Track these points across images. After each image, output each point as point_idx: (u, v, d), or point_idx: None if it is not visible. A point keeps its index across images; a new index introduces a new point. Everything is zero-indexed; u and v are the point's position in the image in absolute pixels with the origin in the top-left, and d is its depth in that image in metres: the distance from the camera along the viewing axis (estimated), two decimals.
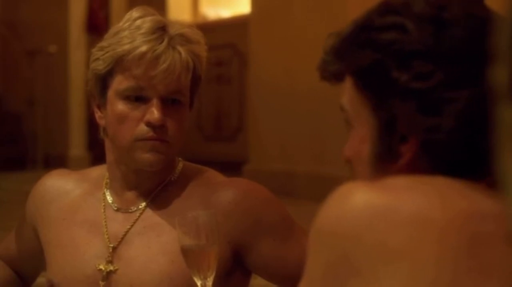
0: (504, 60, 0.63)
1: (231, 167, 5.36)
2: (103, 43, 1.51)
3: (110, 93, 1.51)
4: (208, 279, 1.35)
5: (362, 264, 0.87)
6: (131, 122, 1.48)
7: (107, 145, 1.56)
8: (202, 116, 8.68)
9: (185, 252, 1.36)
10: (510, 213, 0.66)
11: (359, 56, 0.97)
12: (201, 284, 1.35)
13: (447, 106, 0.93)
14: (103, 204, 1.58)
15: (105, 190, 1.59)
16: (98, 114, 1.55)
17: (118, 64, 1.48)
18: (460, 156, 0.94)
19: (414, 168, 0.95)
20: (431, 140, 0.94)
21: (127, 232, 1.54)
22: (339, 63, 1.01)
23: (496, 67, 0.63)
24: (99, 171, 1.64)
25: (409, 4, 0.96)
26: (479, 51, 0.92)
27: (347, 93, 1.01)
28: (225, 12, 9.11)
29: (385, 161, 0.97)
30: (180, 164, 1.59)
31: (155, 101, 1.47)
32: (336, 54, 1.01)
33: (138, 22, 1.48)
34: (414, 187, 0.90)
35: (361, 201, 0.89)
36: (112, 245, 1.54)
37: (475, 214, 0.89)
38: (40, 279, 1.74)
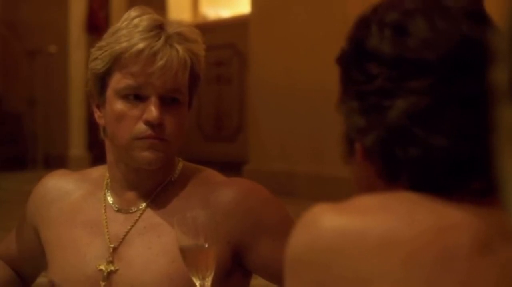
0: (504, 61, 0.63)
1: (231, 167, 5.36)
2: (102, 43, 1.52)
3: (109, 92, 1.51)
4: (207, 279, 1.35)
5: (336, 285, 0.87)
6: (129, 120, 1.49)
7: (107, 145, 1.57)
8: (202, 116, 8.68)
9: (184, 252, 1.36)
10: (510, 214, 0.66)
11: (342, 47, 0.98)
12: (199, 284, 1.35)
13: (381, 113, 0.91)
14: (104, 204, 1.58)
15: (105, 190, 1.59)
16: (97, 114, 1.56)
17: (116, 63, 1.49)
18: (392, 165, 0.92)
19: (366, 168, 0.95)
20: (363, 142, 0.94)
21: (127, 232, 1.54)
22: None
23: (496, 67, 0.63)
24: (100, 172, 1.64)
25: (388, 8, 0.96)
26: (427, 63, 0.90)
27: None
28: (225, 12, 9.12)
29: (350, 155, 0.97)
30: (180, 164, 1.59)
31: (153, 99, 1.47)
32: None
33: (136, 20, 1.49)
34: (380, 208, 0.90)
35: (330, 227, 0.88)
36: (112, 246, 1.54)
37: (446, 228, 0.88)
38: (40, 279, 1.74)
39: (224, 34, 8.19)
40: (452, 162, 0.90)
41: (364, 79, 0.93)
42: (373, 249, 0.87)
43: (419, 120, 0.90)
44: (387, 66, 0.92)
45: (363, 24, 0.96)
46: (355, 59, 0.95)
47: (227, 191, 1.52)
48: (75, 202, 1.61)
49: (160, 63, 1.46)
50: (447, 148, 0.89)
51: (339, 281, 0.87)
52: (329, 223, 0.89)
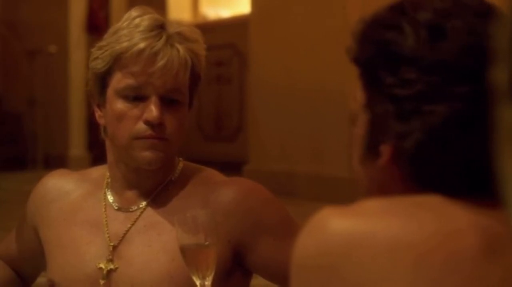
0: (504, 61, 0.63)
1: (231, 167, 5.36)
2: (102, 43, 1.52)
3: (109, 91, 1.51)
4: (207, 278, 1.35)
5: None
6: (129, 120, 1.49)
7: (108, 144, 1.57)
8: (202, 116, 8.68)
9: (184, 251, 1.36)
10: (510, 215, 0.66)
11: (362, 49, 0.97)
12: (200, 284, 1.35)
13: (420, 118, 0.91)
14: (104, 203, 1.58)
15: (105, 189, 1.60)
16: (98, 113, 1.56)
17: (116, 62, 1.49)
18: (426, 169, 0.93)
19: (390, 171, 0.94)
20: (400, 147, 0.93)
21: (127, 231, 1.54)
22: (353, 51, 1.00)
23: (496, 67, 0.63)
24: (100, 171, 1.64)
25: (417, 7, 0.94)
26: (469, 69, 0.90)
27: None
28: (225, 12, 9.12)
29: (369, 157, 0.97)
30: (181, 164, 1.59)
31: (153, 99, 1.48)
32: (353, 40, 1.00)
33: (137, 20, 1.49)
34: (390, 211, 0.90)
35: (338, 231, 0.88)
36: (112, 244, 1.54)
37: (453, 231, 0.88)
38: (40, 279, 1.74)
39: (224, 34, 8.19)
40: (488, 167, 0.88)
41: (398, 83, 0.92)
42: (382, 252, 0.86)
43: (460, 125, 0.90)
44: (427, 71, 0.91)
45: (391, 25, 0.94)
46: (386, 62, 0.93)
47: (227, 191, 1.52)
48: (75, 202, 1.61)
49: (160, 63, 1.46)
50: (486, 152, 0.87)
51: (347, 284, 0.86)
52: (336, 226, 0.88)
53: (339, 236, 0.88)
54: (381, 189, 0.96)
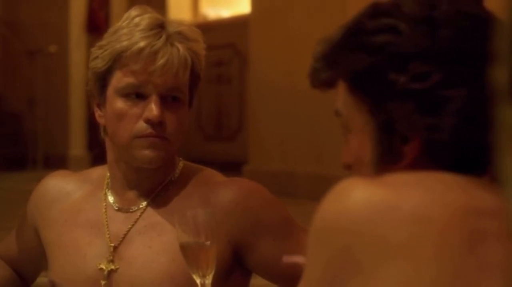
0: (504, 60, 0.63)
1: (231, 167, 5.36)
2: (102, 42, 1.52)
3: (109, 91, 1.51)
4: (207, 277, 1.35)
5: (363, 259, 0.86)
6: (130, 119, 1.49)
7: (108, 144, 1.57)
8: (202, 116, 8.68)
9: (184, 249, 1.36)
10: (510, 211, 0.66)
11: (353, 61, 0.97)
12: (200, 282, 1.35)
13: (446, 105, 0.93)
14: (104, 204, 1.58)
15: (106, 190, 1.60)
16: (98, 113, 1.56)
17: (116, 61, 1.49)
18: (462, 154, 0.94)
19: (417, 168, 0.95)
20: (433, 139, 0.94)
21: (128, 231, 1.54)
22: (331, 69, 1.00)
23: (496, 67, 0.63)
24: (100, 172, 1.64)
25: (399, 5, 0.96)
26: (474, 49, 0.92)
27: (341, 98, 1.00)
28: (225, 12, 9.11)
29: (388, 163, 0.96)
30: (181, 164, 1.59)
31: (154, 98, 1.48)
32: (327, 61, 1.00)
33: (137, 19, 1.49)
34: (414, 184, 0.90)
35: (361, 198, 0.88)
36: (113, 245, 1.54)
37: (475, 210, 0.89)
38: (40, 279, 1.74)
39: (224, 34, 8.19)
40: None
41: (413, 79, 0.93)
42: (404, 221, 0.86)
43: (481, 104, 0.90)
44: (436, 61, 0.92)
45: (382, 28, 0.95)
46: (391, 63, 0.94)
47: (227, 191, 1.52)
48: (76, 203, 1.61)
49: (161, 61, 1.46)
50: None
51: (369, 247, 0.86)
52: (360, 193, 0.88)
53: (362, 203, 0.87)
54: None
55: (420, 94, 0.93)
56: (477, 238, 0.87)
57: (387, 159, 0.96)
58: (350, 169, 1.02)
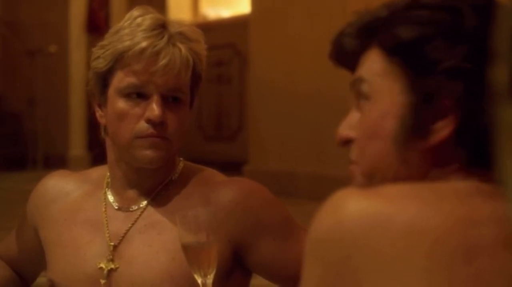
0: (504, 60, 0.63)
1: (231, 167, 5.36)
2: (104, 42, 1.52)
3: (111, 91, 1.51)
4: (209, 276, 1.35)
5: (358, 271, 0.86)
6: (131, 119, 1.49)
7: (108, 144, 1.57)
8: (202, 116, 8.69)
9: (186, 249, 1.37)
10: (511, 214, 0.66)
11: (403, 31, 0.95)
12: (201, 282, 1.35)
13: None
14: (104, 203, 1.59)
15: (106, 189, 1.60)
16: (98, 113, 1.56)
17: (118, 61, 1.49)
18: (488, 144, 0.93)
19: (439, 151, 0.94)
20: (471, 121, 0.93)
21: (128, 230, 1.55)
22: (365, 37, 0.98)
23: (496, 66, 0.63)
24: (100, 172, 1.64)
25: None
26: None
27: (370, 66, 0.98)
28: (225, 12, 9.12)
29: (413, 138, 0.95)
30: (181, 164, 1.59)
31: (155, 98, 1.48)
32: (364, 29, 0.98)
33: (139, 20, 1.50)
34: (409, 195, 0.89)
35: (356, 209, 0.88)
36: (113, 244, 1.54)
37: (471, 221, 0.88)
38: (40, 279, 1.74)
39: (224, 34, 8.19)
40: None
41: (461, 58, 0.92)
42: (398, 234, 0.86)
43: None
44: (483, 44, 0.91)
45: (448, 7, 0.95)
46: (445, 40, 0.93)
47: (227, 191, 1.52)
48: (76, 202, 1.61)
49: (163, 61, 1.47)
50: None
51: (365, 258, 0.86)
52: (354, 205, 0.88)
53: (358, 214, 0.87)
54: (412, 173, 0.95)
55: (470, 74, 0.92)
56: (475, 247, 0.86)
57: (414, 133, 0.95)
58: (346, 145, 1.01)
